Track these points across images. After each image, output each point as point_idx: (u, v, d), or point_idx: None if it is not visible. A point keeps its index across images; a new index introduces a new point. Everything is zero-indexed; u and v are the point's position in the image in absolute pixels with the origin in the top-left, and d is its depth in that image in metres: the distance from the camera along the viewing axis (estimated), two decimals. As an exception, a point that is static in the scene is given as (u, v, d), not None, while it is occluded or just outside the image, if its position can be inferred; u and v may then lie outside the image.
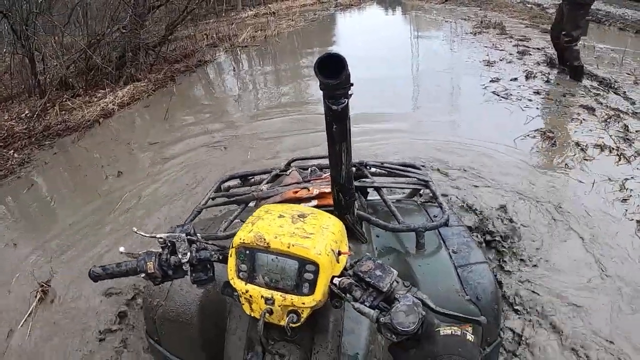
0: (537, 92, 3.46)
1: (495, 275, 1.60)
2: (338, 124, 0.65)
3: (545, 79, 3.91)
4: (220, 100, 4.39)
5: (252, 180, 1.22)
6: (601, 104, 3.33)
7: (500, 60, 4.68)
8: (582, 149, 2.47)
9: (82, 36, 5.33)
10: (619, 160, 2.42)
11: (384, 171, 1.13)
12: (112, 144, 3.48)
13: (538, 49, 5.51)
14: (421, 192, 1.35)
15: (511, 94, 3.39)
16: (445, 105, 3.31)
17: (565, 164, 2.31)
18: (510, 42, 5.98)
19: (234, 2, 18.78)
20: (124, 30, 5.04)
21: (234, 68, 5.68)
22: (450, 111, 3.21)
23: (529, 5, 12.69)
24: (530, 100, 3.28)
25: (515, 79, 3.87)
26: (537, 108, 3.12)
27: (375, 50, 5.89)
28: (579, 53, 3.91)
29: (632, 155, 2.46)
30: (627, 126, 2.90)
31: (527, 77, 3.94)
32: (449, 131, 2.78)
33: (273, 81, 4.97)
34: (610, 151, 2.48)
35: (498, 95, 3.38)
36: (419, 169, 1.12)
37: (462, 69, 4.42)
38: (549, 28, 4.53)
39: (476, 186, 2.16)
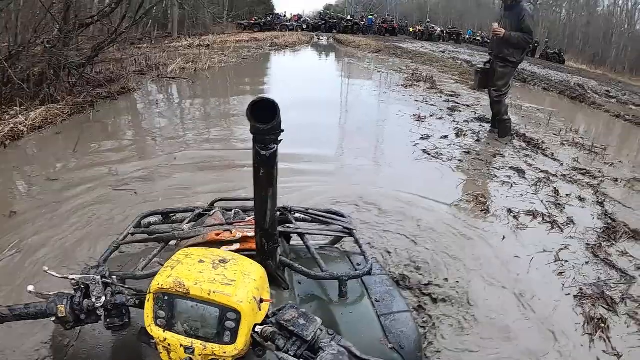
0: (467, 152, 3.78)
1: (418, 324, 1.74)
2: (265, 169, 0.73)
3: (476, 138, 4.37)
4: (138, 136, 4.25)
5: (174, 217, 1.30)
6: (531, 165, 3.75)
7: (431, 116, 5.14)
8: (514, 217, 2.66)
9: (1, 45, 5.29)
10: (552, 228, 2.62)
11: (308, 217, 1.24)
12: (11, 173, 3.19)
13: (468, 105, 6.22)
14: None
15: (441, 154, 3.67)
16: (374, 160, 3.45)
17: (503, 236, 2.43)
18: (441, 97, 6.68)
19: (170, 29, 20.52)
20: (48, 45, 5.25)
21: (157, 101, 5.65)
22: (378, 168, 3.32)
23: (459, 62, 14.76)
24: (460, 160, 3.56)
25: (446, 136, 4.24)
26: (468, 169, 3.38)
27: (306, 94, 6.28)
28: (507, 108, 4.58)
29: (564, 223, 2.69)
30: (557, 190, 3.24)
31: (457, 135, 4.35)
32: (376, 187, 2.83)
33: (197, 118, 5.01)
34: (543, 218, 2.69)
35: (428, 154, 3.63)
36: (343, 216, 1.24)
37: (392, 122, 4.82)
38: (473, 86, 5.13)
39: (395, 249, 2.15)
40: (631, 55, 32.59)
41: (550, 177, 3.51)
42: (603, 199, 3.27)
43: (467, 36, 36.09)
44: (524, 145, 4.44)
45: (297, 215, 1.23)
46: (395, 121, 4.87)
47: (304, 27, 31.84)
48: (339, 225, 1.19)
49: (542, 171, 3.66)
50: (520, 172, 3.49)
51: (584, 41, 35.64)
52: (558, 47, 30.82)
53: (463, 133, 4.45)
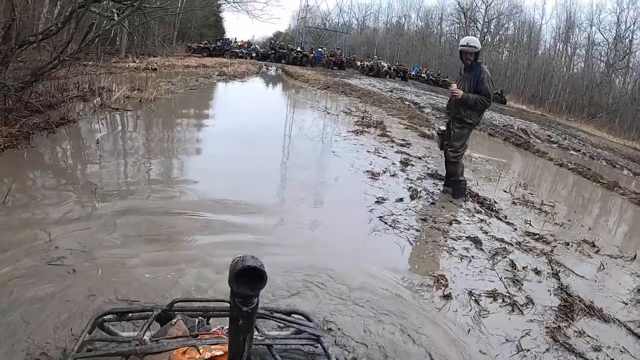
0: (424, 219, 3.97)
1: None
2: (245, 320, 0.76)
3: (430, 200, 4.65)
4: (77, 185, 3.81)
5: (130, 315, 1.32)
6: (487, 233, 4.01)
7: (384, 172, 5.38)
8: (476, 300, 2.79)
9: None
10: (512, 310, 2.77)
11: (273, 320, 1.32)
12: None
13: (419, 157, 6.57)
14: None
15: (398, 221, 3.81)
16: (328, 231, 3.45)
17: (468, 329, 2.52)
18: (392, 147, 7.02)
19: (118, 47, 20.55)
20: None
21: (97, 141, 5.29)
22: (333, 240, 3.32)
23: (407, 103, 15.64)
24: (418, 230, 3.72)
25: (401, 199, 4.45)
26: (427, 242, 3.52)
27: (252, 141, 6.30)
28: (464, 169, 4.92)
29: (524, 304, 2.88)
30: (514, 263, 3.49)
31: (412, 197, 4.58)
32: (330, 267, 2.83)
33: (142, 167, 4.65)
34: (503, 300, 2.85)
35: (386, 223, 3.75)
36: (309, 319, 1.34)
37: (346, 181, 4.96)
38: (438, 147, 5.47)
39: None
40: (568, 97, 36.48)
41: (506, 247, 3.77)
42: (557, 269, 3.56)
43: (414, 73, 38.50)
44: (477, 207, 4.75)
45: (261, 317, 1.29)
46: (349, 179, 5.00)
47: (253, 55, 33.09)
48: (306, 330, 1.28)
49: (497, 239, 3.92)
50: (477, 242, 3.71)
51: (525, 82, 39.41)
52: (500, 87, 33.87)
53: (418, 194, 4.68)
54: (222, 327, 1.22)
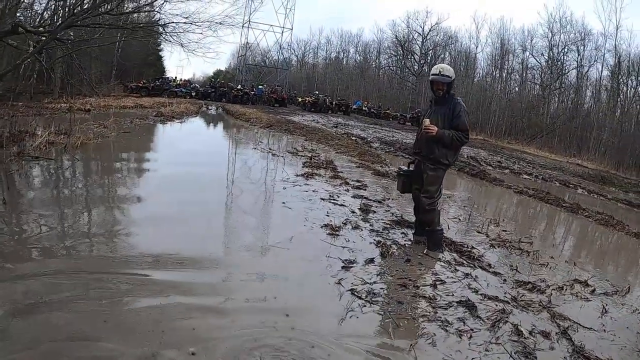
0: (403, 285, 3.42)
1: None
2: None
3: (403, 258, 4.12)
4: None
5: None
6: (477, 292, 3.58)
7: (344, 224, 4.85)
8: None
9: None
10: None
11: None
12: None
13: (379, 201, 6.17)
14: None
15: (375, 293, 3.21)
16: (290, 323, 2.72)
17: None
18: (347, 190, 6.58)
19: (52, 87, 20.18)
20: None
21: (4, 199, 4.37)
22: (299, 337, 2.61)
23: (354, 138, 15.48)
24: (400, 303, 3.13)
25: (372, 259, 3.89)
26: (414, 319, 2.94)
27: (189, 195, 5.66)
28: (440, 215, 4.46)
29: None
30: (518, 328, 3.05)
31: (383, 255, 4.07)
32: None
33: (54, 251, 3.73)
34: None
35: (360, 298, 3.11)
36: None
37: (302, 241, 4.25)
38: (396, 188, 5.07)
39: None
40: (507, 121, 38.62)
41: (504, 307, 3.29)
42: (564, 325, 3.20)
43: (355, 107, 39.44)
44: (457, 257, 4.30)
45: None
46: (306, 238, 4.31)
47: (193, 94, 33.48)
48: None
49: (490, 298, 3.46)
50: (471, 308, 3.19)
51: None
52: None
53: (389, 251, 4.12)
54: None
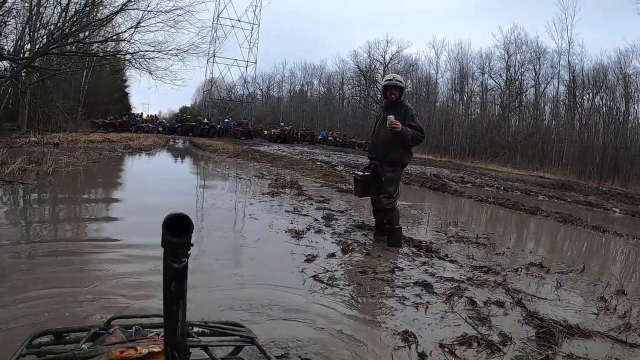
0: (363, 272, 3.61)
1: None
2: (177, 282, 0.85)
3: (365, 251, 4.35)
4: None
5: (68, 337, 1.33)
6: (433, 275, 3.77)
7: (308, 229, 5.01)
8: (450, 352, 2.42)
9: None
10: (492, 352, 2.47)
11: (207, 330, 1.37)
12: None
13: (342, 212, 6.39)
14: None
15: (336, 278, 3.40)
16: (258, 308, 2.86)
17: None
18: (312, 204, 6.74)
19: (20, 123, 20.59)
20: None
21: None
22: (268, 314, 2.76)
23: (319, 163, 15.80)
24: (360, 284, 3.33)
25: (333, 254, 4.08)
26: (373, 295, 3.11)
27: (158, 210, 5.53)
28: (399, 214, 4.74)
29: (501, 341, 2.60)
30: (473, 300, 3.24)
31: (344, 251, 4.24)
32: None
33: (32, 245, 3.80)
34: (478, 343, 2.54)
35: (322, 282, 3.29)
36: (242, 327, 1.42)
37: (267, 242, 4.46)
38: (354, 194, 5.34)
39: None
40: (470, 141, 40.09)
41: (459, 285, 3.51)
42: (518, 297, 3.42)
43: (320, 137, 40.20)
44: (415, 250, 4.54)
45: (196, 329, 1.35)
46: (271, 240, 4.52)
47: (160, 129, 33.95)
48: (240, 335, 1.35)
49: (447, 279, 3.68)
50: (428, 286, 3.41)
51: (427, 133, 42.77)
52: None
53: (350, 247, 4.33)
54: (158, 334, 1.22)
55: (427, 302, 3.10)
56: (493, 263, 4.38)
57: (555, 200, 12.38)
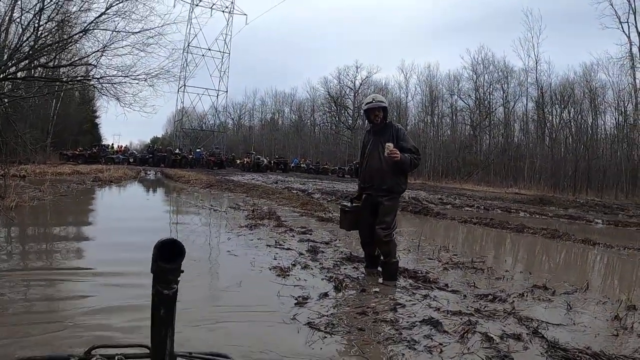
0: (362, 313, 3.25)
1: None
2: (166, 309, 0.82)
3: (360, 288, 4.00)
4: None
5: None
6: (439, 310, 3.49)
7: (294, 265, 4.67)
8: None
9: None
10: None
11: None
12: None
13: (326, 243, 6.12)
14: None
15: (334, 324, 3.01)
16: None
17: None
18: (293, 236, 6.46)
19: None
20: None
21: None
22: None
23: (295, 191, 15.47)
24: (361, 330, 2.95)
25: (326, 294, 3.70)
26: (380, 342, 2.75)
27: (129, 251, 5.21)
28: (396, 247, 4.38)
29: None
30: (488, 335, 2.94)
31: (337, 289, 3.88)
32: None
33: None
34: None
35: (319, 330, 2.88)
36: (229, 358, 1.26)
37: (251, 283, 4.02)
38: (340, 227, 5.02)
39: None
40: (443, 162, 40.62)
41: (470, 320, 3.18)
42: (534, 325, 3.19)
43: (293, 164, 40.05)
44: (413, 282, 4.24)
45: None
46: (254, 280, 4.07)
47: (131, 160, 33.70)
48: None
49: (454, 313, 3.37)
50: (436, 324, 3.08)
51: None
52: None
53: (342, 284, 3.95)
54: None
55: (440, 343, 2.76)
56: (496, 289, 4.14)
57: (537, 216, 12.43)
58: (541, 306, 3.76)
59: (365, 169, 4.48)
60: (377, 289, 3.93)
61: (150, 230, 6.80)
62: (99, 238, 6.07)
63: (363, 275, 4.47)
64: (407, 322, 3.11)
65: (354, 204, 4.64)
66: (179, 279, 0.81)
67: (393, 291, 3.91)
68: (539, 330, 3.08)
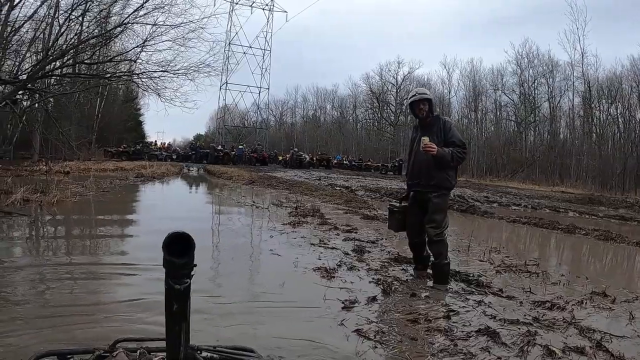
0: (414, 320, 3.03)
1: None
2: (179, 304, 0.82)
3: (409, 292, 3.76)
4: None
5: (72, 359, 1.27)
6: (494, 317, 3.23)
7: (339, 265, 4.48)
8: None
9: None
10: None
11: (216, 355, 1.28)
12: None
13: (372, 242, 5.91)
14: None
15: (384, 332, 2.81)
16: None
17: None
18: (338, 235, 6.30)
19: (32, 152, 21.18)
20: None
21: None
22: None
23: (338, 188, 15.29)
24: (414, 339, 2.73)
25: (374, 298, 3.50)
26: (435, 355, 2.52)
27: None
28: (448, 247, 4.11)
29: None
30: (549, 348, 2.70)
31: (385, 292, 3.67)
32: None
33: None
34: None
35: (368, 339, 2.70)
36: (253, 352, 1.29)
37: (295, 285, 3.87)
38: (388, 227, 4.75)
39: None
40: (487, 159, 39.27)
41: (529, 330, 2.92)
42: (597, 337, 2.91)
43: (336, 161, 39.83)
44: (465, 286, 3.96)
45: (205, 354, 1.26)
46: (299, 282, 3.93)
47: (174, 157, 34.26)
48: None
49: (511, 322, 3.09)
50: (494, 335, 2.82)
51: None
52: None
53: (391, 287, 3.73)
54: (164, 358, 1.10)
55: (499, 357, 2.52)
56: (553, 296, 3.81)
57: (587, 216, 11.74)
58: (602, 315, 3.45)
59: (412, 165, 4.23)
60: (428, 294, 3.69)
61: (192, 226, 6.78)
62: (140, 234, 6.12)
63: (412, 277, 4.24)
64: (462, 331, 2.87)
65: (402, 204, 4.40)
66: (192, 273, 0.79)
67: (445, 296, 3.67)
68: (603, 343, 2.80)
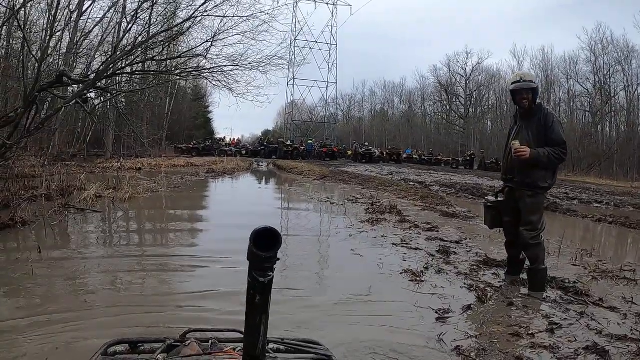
0: (515, 335, 2.81)
1: None
2: (262, 296, 0.81)
3: (505, 300, 3.52)
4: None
5: (143, 348, 1.28)
6: (601, 333, 2.95)
7: (426, 268, 4.31)
8: None
9: None
10: None
11: (283, 347, 1.25)
12: None
13: (456, 242, 5.70)
14: None
15: (485, 349, 2.61)
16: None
17: None
18: (419, 234, 6.13)
19: (105, 150, 21.94)
20: None
21: (39, 248, 4.24)
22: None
23: (412, 184, 14.92)
24: (520, 359, 2.49)
25: (469, 307, 3.31)
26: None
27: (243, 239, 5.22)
28: (545, 252, 3.74)
29: None
30: None
31: (480, 300, 3.48)
32: None
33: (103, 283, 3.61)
34: None
35: (470, 357, 2.51)
36: (320, 345, 1.25)
37: (382, 289, 3.70)
38: (484, 223, 4.39)
39: None
40: (562, 152, 36.11)
41: (638, 347, 2.61)
42: None
43: (406, 155, 38.83)
44: (563, 295, 3.63)
45: (272, 345, 1.24)
46: (385, 286, 3.78)
47: (243, 152, 34.36)
48: (318, 353, 1.22)
49: (619, 338, 2.79)
50: (603, 353, 2.56)
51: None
52: (493, 156, 33.77)
53: (485, 295, 3.51)
54: (234, 348, 1.14)
55: (615, 381, 2.29)
56: (658, 308, 3.38)
57: (677, 216, 10.47)
58: None
59: (507, 160, 3.84)
60: (526, 303, 3.41)
61: (268, 223, 6.81)
62: (212, 229, 6.20)
63: (505, 283, 3.96)
64: (569, 349, 2.61)
65: (497, 199, 4.01)
66: (275, 267, 0.79)
67: (543, 306, 3.38)
68: None
